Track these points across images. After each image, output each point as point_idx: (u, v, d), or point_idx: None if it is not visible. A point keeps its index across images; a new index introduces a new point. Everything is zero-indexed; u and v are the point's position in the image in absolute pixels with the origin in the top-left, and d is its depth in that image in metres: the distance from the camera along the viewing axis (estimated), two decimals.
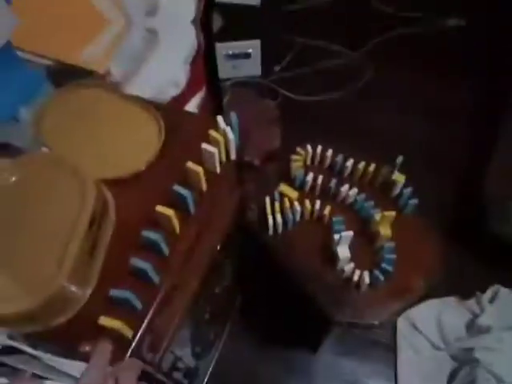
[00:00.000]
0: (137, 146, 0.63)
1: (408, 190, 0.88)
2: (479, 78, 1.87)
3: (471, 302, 1.25)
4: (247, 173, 0.86)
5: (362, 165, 0.93)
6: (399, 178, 0.90)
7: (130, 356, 0.47)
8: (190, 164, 0.57)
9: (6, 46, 0.61)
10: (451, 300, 1.26)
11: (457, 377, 1.11)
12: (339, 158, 0.95)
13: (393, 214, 0.82)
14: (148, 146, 0.62)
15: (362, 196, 0.89)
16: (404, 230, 0.87)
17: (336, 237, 0.81)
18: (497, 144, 1.43)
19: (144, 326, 0.49)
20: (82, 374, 0.38)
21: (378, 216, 0.84)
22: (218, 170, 0.62)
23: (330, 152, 0.96)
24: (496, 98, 1.67)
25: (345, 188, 0.89)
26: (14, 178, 0.52)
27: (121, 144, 0.64)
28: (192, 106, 0.98)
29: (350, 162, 0.94)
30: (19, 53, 0.66)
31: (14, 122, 0.63)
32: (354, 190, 0.89)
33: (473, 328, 1.19)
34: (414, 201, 0.88)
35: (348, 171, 0.95)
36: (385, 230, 0.83)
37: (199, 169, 0.57)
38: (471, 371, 1.09)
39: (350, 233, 0.80)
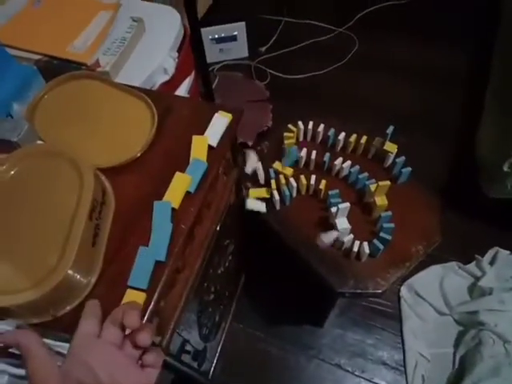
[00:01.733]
0: (131, 133, 0.63)
1: (401, 159, 0.89)
2: (466, 43, 1.87)
3: (472, 266, 1.27)
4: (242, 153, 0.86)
5: (353, 137, 0.94)
6: (391, 147, 0.91)
7: None
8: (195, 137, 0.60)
9: None
10: (452, 265, 1.28)
11: (463, 340, 1.14)
12: (331, 132, 0.95)
13: (387, 183, 0.83)
14: (142, 133, 0.63)
15: (356, 168, 0.89)
16: (400, 199, 0.87)
17: (333, 209, 0.82)
18: (484, 108, 1.43)
19: (150, 308, 0.50)
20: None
21: (373, 187, 0.85)
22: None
23: (321, 127, 0.96)
24: (483, 63, 1.67)
25: (338, 161, 0.90)
26: (12, 172, 0.52)
27: (115, 132, 0.64)
28: (182, 90, 0.98)
29: (341, 136, 0.94)
30: (8, 49, 0.66)
31: (9, 118, 0.63)
32: (348, 163, 0.89)
33: (475, 291, 1.21)
34: (408, 169, 0.89)
35: (340, 145, 0.96)
36: (381, 201, 0.84)
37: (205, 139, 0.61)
38: (476, 334, 1.12)
39: (347, 204, 0.81)
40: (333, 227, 0.85)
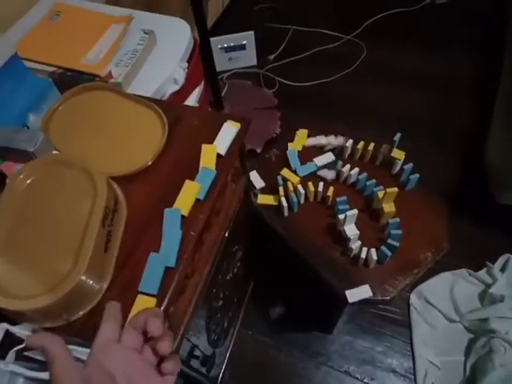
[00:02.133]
0: (142, 142, 0.65)
1: (409, 166, 0.90)
2: (474, 50, 1.87)
3: (482, 273, 1.26)
4: (250, 160, 0.88)
5: (360, 144, 0.94)
6: (398, 154, 0.91)
7: None
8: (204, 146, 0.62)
9: (14, 58, 0.64)
10: (462, 272, 1.27)
11: (473, 348, 1.12)
12: (339, 140, 0.97)
13: (395, 190, 0.84)
14: (153, 142, 0.65)
15: (364, 175, 0.90)
16: (408, 205, 0.88)
17: (341, 216, 0.83)
18: (494, 115, 1.43)
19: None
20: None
21: (380, 194, 0.86)
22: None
23: (331, 137, 0.98)
24: (491, 70, 1.67)
25: (346, 168, 0.91)
26: (28, 181, 0.54)
27: (127, 141, 0.66)
28: (192, 100, 1.00)
29: (349, 143, 0.95)
30: (25, 62, 0.69)
31: (25, 128, 0.65)
32: (356, 170, 0.90)
33: (486, 298, 1.20)
34: (416, 176, 0.89)
35: (348, 152, 0.97)
36: (388, 207, 0.85)
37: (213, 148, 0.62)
38: (487, 341, 1.10)
39: (355, 211, 0.82)
40: (340, 234, 0.85)
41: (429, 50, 1.89)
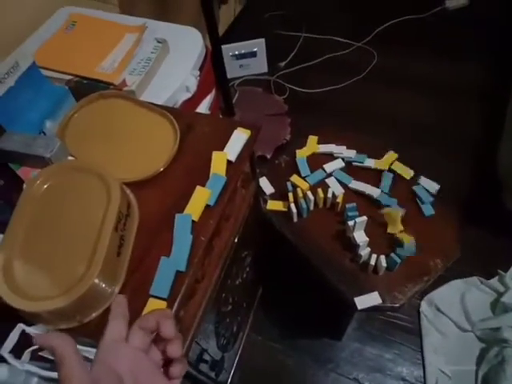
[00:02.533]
0: (155, 149, 0.67)
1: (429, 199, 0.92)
2: (485, 57, 1.86)
3: (494, 281, 1.24)
4: (260, 166, 0.89)
5: (372, 162, 0.96)
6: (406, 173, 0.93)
7: None
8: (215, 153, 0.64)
9: (32, 67, 0.66)
10: (474, 280, 1.26)
11: (485, 357, 1.11)
12: (350, 152, 0.98)
13: (398, 213, 0.85)
14: (165, 149, 0.66)
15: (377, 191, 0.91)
16: (418, 213, 0.88)
17: (350, 223, 0.83)
18: (506, 123, 1.42)
19: None
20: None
21: (386, 210, 0.87)
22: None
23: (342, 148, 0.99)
24: (503, 76, 1.66)
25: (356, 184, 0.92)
26: (45, 187, 0.56)
27: (140, 148, 0.68)
28: (204, 107, 1.02)
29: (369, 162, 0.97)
30: (42, 71, 0.71)
31: (42, 135, 0.67)
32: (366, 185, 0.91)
33: (498, 307, 1.19)
34: (430, 200, 0.91)
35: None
36: (395, 229, 0.86)
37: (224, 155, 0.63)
38: (500, 351, 1.09)
39: (364, 218, 0.82)
40: (349, 240, 0.86)
41: (440, 56, 1.88)
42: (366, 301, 0.81)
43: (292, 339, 1.22)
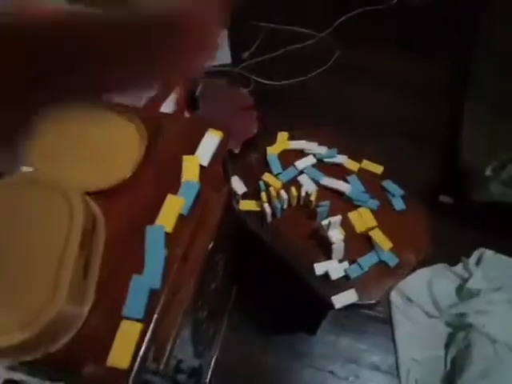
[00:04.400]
0: (120, 154, 0.62)
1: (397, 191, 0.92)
2: (447, 50, 1.90)
3: (459, 268, 1.29)
4: (231, 164, 0.86)
5: (343, 159, 0.95)
6: (376, 168, 0.93)
7: (137, 369, 0.47)
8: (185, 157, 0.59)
9: None
10: (440, 267, 1.30)
11: (453, 342, 1.15)
12: (322, 148, 0.96)
13: (367, 210, 0.85)
14: (131, 154, 0.61)
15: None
16: (389, 209, 0.89)
17: (324, 222, 0.82)
18: (464, 118, 1.46)
19: (147, 339, 0.49)
20: None
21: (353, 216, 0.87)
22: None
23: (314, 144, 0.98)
24: (463, 69, 1.71)
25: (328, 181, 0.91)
26: None
27: (104, 154, 0.62)
28: (169, 103, 0.97)
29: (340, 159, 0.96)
30: None
31: None
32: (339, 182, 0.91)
33: (463, 293, 1.23)
34: (400, 193, 0.91)
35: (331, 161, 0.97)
36: (360, 227, 0.86)
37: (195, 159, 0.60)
38: (466, 335, 1.13)
39: (339, 217, 0.82)
40: (323, 239, 0.85)
41: (402, 48, 1.90)
42: (343, 299, 0.81)
43: (268, 337, 1.21)
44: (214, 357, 1.13)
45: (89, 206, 0.54)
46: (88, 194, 0.57)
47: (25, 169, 0.58)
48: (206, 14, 0.26)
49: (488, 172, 1.18)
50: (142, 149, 0.62)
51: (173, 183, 0.60)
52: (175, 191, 0.59)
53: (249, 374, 1.16)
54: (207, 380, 1.07)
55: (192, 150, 0.63)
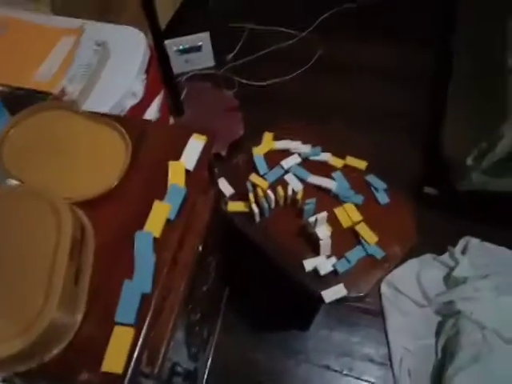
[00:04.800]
0: (106, 163, 0.62)
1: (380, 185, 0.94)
2: (428, 43, 1.93)
3: (446, 257, 1.32)
4: (217, 166, 0.87)
5: (327, 156, 0.97)
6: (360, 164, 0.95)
7: (131, 374, 0.48)
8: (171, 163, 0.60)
9: None
10: (428, 257, 1.32)
11: (442, 330, 1.18)
12: (306, 147, 0.98)
13: (352, 206, 0.88)
14: (117, 162, 0.62)
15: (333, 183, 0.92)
16: (374, 202, 0.91)
17: (311, 219, 0.84)
18: (447, 106, 1.49)
19: (140, 343, 0.50)
20: None
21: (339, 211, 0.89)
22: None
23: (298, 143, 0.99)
24: (446, 60, 1.74)
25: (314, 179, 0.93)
26: None
27: (89, 164, 0.63)
28: (153, 109, 0.97)
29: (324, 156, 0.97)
30: None
31: None
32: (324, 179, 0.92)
33: (451, 281, 1.26)
34: (383, 186, 0.93)
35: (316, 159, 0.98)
36: (346, 222, 0.88)
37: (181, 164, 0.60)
38: (455, 323, 1.16)
39: (324, 213, 0.83)
40: (311, 236, 0.86)
41: (383, 43, 1.93)
42: (333, 293, 0.83)
43: (261, 335, 1.23)
44: (210, 358, 1.14)
45: (77, 215, 0.55)
46: (76, 203, 0.58)
47: (11, 182, 0.58)
48: None
49: (469, 161, 1.21)
50: (128, 157, 0.63)
51: (159, 189, 0.61)
52: (162, 197, 0.60)
53: (245, 373, 1.18)
54: (204, 382, 1.09)
55: (177, 156, 0.64)
